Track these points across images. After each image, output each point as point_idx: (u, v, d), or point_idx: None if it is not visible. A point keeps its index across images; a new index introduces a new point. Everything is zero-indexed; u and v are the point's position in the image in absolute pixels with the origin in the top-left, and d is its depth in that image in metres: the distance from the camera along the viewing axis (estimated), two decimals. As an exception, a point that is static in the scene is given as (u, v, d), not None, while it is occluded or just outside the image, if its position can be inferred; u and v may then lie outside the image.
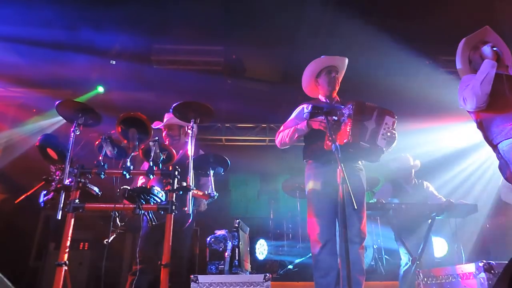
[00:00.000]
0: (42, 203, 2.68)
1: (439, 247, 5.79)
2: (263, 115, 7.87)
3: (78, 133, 2.77)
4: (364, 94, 3.04)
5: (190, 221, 3.57)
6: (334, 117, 2.94)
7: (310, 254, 3.08)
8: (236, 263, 3.58)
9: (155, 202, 2.75)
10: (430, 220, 4.43)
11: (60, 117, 2.96)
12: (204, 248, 3.89)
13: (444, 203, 4.51)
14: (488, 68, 2.74)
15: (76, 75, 6.28)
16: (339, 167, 2.45)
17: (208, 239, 3.69)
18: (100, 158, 2.73)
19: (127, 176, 2.75)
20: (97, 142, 2.83)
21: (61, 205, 2.54)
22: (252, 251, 6.31)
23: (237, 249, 3.64)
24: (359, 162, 3.24)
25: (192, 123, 2.98)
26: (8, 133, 6.40)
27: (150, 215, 2.97)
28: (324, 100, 3.35)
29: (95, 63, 6.30)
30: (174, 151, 2.98)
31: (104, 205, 2.68)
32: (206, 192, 3.23)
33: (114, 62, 6.35)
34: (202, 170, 3.27)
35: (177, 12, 5.58)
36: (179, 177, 2.73)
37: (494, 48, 2.80)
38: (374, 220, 6.21)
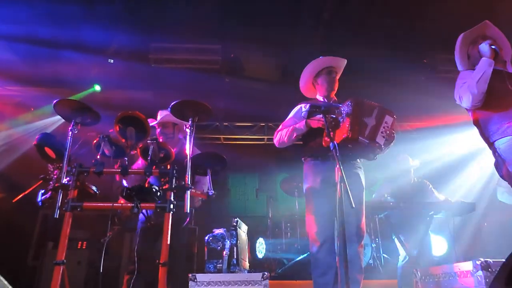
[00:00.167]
0: (40, 202, 2.67)
1: (439, 245, 5.81)
2: (262, 113, 7.87)
3: (76, 132, 2.77)
4: (361, 94, 3.03)
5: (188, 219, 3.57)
6: (332, 115, 2.93)
7: (309, 253, 3.09)
8: (235, 261, 3.58)
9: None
10: (428, 219, 4.45)
11: (57, 116, 2.96)
12: (202, 247, 3.88)
13: (442, 201, 4.53)
14: (485, 67, 2.74)
15: (74, 74, 6.26)
16: (337, 166, 2.45)
17: (206, 237, 3.69)
18: (98, 157, 2.73)
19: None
20: (95, 141, 2.82)
21: (59, 204, 2.54)
22: (253, 250, 6.32)
23: (235, 248, 3.64)
24: (358, 160, 3.24)
25: (190, 121, 2.98)
26: (8, 132, 6.39)
27: (147, 214, 2.97)
28: (322, 100, 3.35)
29: (93, 61, 6.29)
30: (172, 149, 2.97)
31: (102, 204, 2.68)
32: (204, 191, 3.23)
33: (112, 61, 6.34)
34: (200, 168, 3.26)
35: (175, 10, 5.56)
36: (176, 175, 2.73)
37: (492, 46, 2.80)
38: (373, 218, 6.22)
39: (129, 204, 2.65)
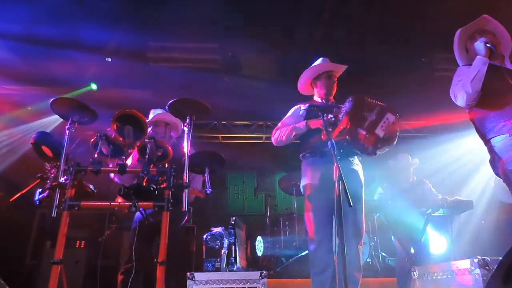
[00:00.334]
0: (38, 201, 2.67)
1: (438, 244, 5.82)
2: (260, 112, 7.87)
3: (73, 131, 2.76)
4: (359, 93, 3.03)
5: (186, 218, 3.57)
6: (331, 115, 2.94)
7: (307, 251, 3.09)
8: (233, 260, 3.59)
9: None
10: (426, 217, 4.46)
11: (55, 115, 2.95)
12: (200, 246, 3.88)
13: (440, 200, 4.54)
14: (479, 66, 2.73)
15: (72, 72, 6.25)
16: (335, 164, 2.46)
17: (205, 236, 3.69)
18: (96, 155, 2.72)
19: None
20: (92, 140, 2.82)
21: (56, 203, 2.54)
22: (252, 248, 6.33)
23: (233, 247, 3.64)
24: (356, 157, 3.24)
25: (188, 120, 2.97)
26: (7, 132, 6.37)
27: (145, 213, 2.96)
28: (320, 102, 3.37)
29: (91, 60, 6.27)
30: (169, 148, 2.97)
31: (99, 203, 2.67)
32: (202, 190, 3.23)
33: (110, 60, 6.32)
34: (198, 167, 3.26)
35: (174, 9, 5.55)
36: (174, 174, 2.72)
37: (487, 44, 2.79)
38: (371, 217, 6.23)
39: (126, 203, 2.64)
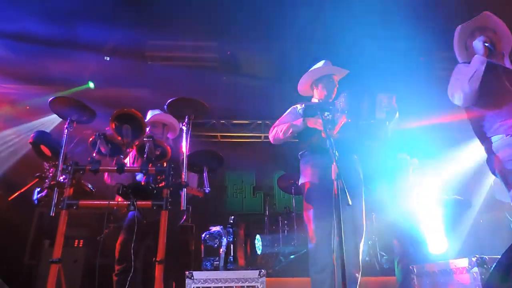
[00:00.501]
0: (36, 200, 2.66)
1: (437, 243, 5.82)
2: (259, 111, 7.87)
3: (71, 130, 2.76)
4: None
5: (185, 217, 3.57)
6: (328, 113, 2.94)
7: (306, 250, 3.09)
8: (231, 259, 3.58)
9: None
10: (424, 216, 4.47)
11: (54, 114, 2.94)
12: (199, 245, 3.88)
13: (439, 199, 4.55)
14: (477, 65, 2.72)
15: (70, 71, 6.23)
16: (334, 163, 2.46)
17: (203, 235, 3.69)
18: (94, 155, 2.72)
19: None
20: (91, 139, 2.81)
21: (55, 202, 2.53)
22: (251, 247, 6.33)
23: (232, 245, 3.64)
24: (356, 156, 3.24)
25: (186, 119, 2.97)
26: (7, 132, 6.35)
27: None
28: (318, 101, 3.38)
29: (89, 59, 6.26)
30: (168, 147, 2.96)
31: (98, 202, 2.67)
32: (200, 189, 3.23)
33: (108, 58, 6.31)
34: (196, 166, 3.26)
35: (172, 8, 5.54)
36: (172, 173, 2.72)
37: (486, 44, 2.78)
38: (370, 215, 6.24)
39: (125, 202, 2.64)
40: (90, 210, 4.82)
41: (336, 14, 5.70)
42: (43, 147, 2.81)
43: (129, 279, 3.02)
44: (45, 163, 2.82)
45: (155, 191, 2.76)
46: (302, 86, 3.49)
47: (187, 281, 3.05)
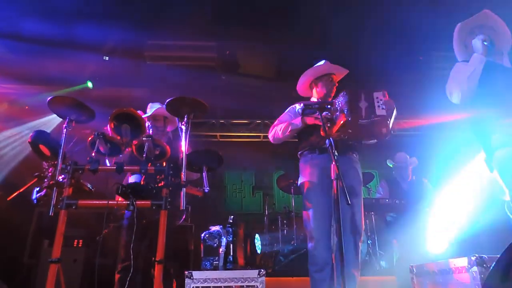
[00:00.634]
0: (35, 200, 2.66)
1: (438, 242, 5.83)
2: (258, 111, 7.87)
3: (70, 129, 2.75)
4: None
5: (184, 217, 3.57)
6: (327, 112, 2.94)
7: (305, 249, 3.09)
8: (231, 259, 3.58)
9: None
10: (423, 215, 4.48)
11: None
12: (198, 244, 3.88)
13: (437, 198, 4.56)
14: (476, 64, 2.73)
15: (69, 71, 6.23)
16: (333, 163, 2.46)
17: (203, 235, 3.69)
18: (93, 154, 2.72)
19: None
20: (90, 139, 2.81)
21: (54, 202, 2.53)
22: (251, 247, 6.33)
23: (231, 245, 3.64)
24: (355, 155, 3.24)
25: (185, 118, 2.96)
26: (7, 133, 6.33)
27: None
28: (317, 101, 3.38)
29: (88, 59, 6.26)
30: (167, 146, 2.96)
31: (97, 202, 2.67)
32: (199, 188, 3.22)
33: (107, 58, 6.31)
34: (195, 166, 3.25)
35: (171, 7, 5.54)
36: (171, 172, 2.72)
37: (485, 42, 2.78)
38: (369, 215, 6.24)
39: (124, 202, 2.64)
40: (89, 210, 4.81)
41: (335, 14, 5.70)
42: (42, 147, 2.80)
43: (128, 278, 3.02)
44: (44, 162, 2.82)
45: (154, 191, 2.76)
46: (301, 85, 3.49)
47: (187, 280, 3.05)
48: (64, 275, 2.49)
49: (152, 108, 3.79)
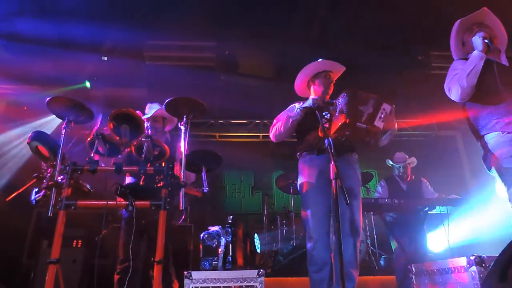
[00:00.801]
0: (34, 201, 2.65)
1: (436, 242, 5.84)
2: (257, 111, 7.88)
3: (69, 130, 2.75)
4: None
5: (183, 217, 3.57)
6: (326, 113, 2.94)
7: (304, 249, 3.09)
8: (230, 259, 3.58)
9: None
10: (422, 215, 4.48)
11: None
12: (197, 244, 3.88)
13: (436, 197, 4.57)
14: (476, 61, 2.73)
15: (68, 71, 6.22)
16: (332, 162, 2.46)
17: (202, 235, 3.68)
18: (92, 155, 2.71)
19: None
20: (89, 139, 2.80)
21: (53, 203, 2.52)
22: (252, 246, 6.34)
23: (230, 245, 3.64)
24: (354, 155, 3.24)
25: (184, 119, 2.96)
26: (10, 134, 6.32)
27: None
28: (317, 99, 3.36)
29: (87, 59, 6.25)
30: (166, 147, 2.96)
31: (96, 202, 2.66)
32: (198, 188, 3.22)
33: (106, 58, 6.31)
34: (194, 166, 3.25)
35: (170, 8, 5.54)
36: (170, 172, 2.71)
37: (485, 40, 2.78)
38: (368, 215, 6.25)
39: (123, 202, 2.63)
40: (89, 210, 4.81)
41: (334, 14, 5.71)
42: (40, 147, 2.80)
43: (127, 278, 3.02)
44: (43, 163, 2.82)
45: (153, 191, 2.76)
46: (299, 85, 3.48)
47: (186, 281, 3.05)
48: (63, 276, 2.48)
49: (152, 109, 3.79)
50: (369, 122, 2.85)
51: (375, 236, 6.12)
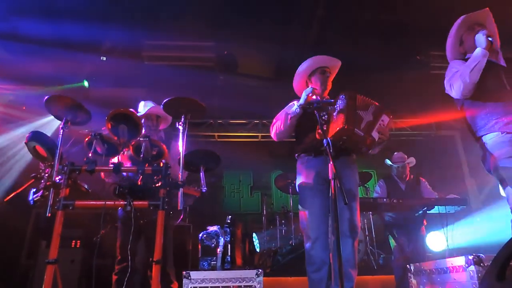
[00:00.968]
0: (32, 201, 2.65)
1: (436, 241, 5.85)
2: (256, 111, 7.88)
3: (67, 130, 2.74)
4: (352, 89, 3.03)
5: (182, 216, 3.57)
6: (324, 113, 2.94)
7: (303, 249, 3.08)
8: (229, 259, 3.58)
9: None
10: (422, 214, 4.48)
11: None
12: (196, 244, 3.87)
13: (434, 197, 4.57)
14: (480, 57, 2.72)
15: (66, 71, 6.22)
16: (331, 162, 2.46)
17: (200, 235, 3.68)
18: (90, 155, 2.71)
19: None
20: (87, 139, 2.80)
21: (51, 203, 2.52)
22: (251, 245, 6.34)
23: (229, 245, 3.64)
24: (352, 156, 3.24)
25: (183, 119, 2.96)
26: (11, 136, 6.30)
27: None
28: (315, 98, 3.35)
29: (86, 59, 6.25)
30: (164, 146, 2.95)
31: (94, 202, 2.66)
32: (197, 188, 3.22)
33: (104, 59, 6.30)
34: (193, 166, 3.25)
35: (169, 7, 5.53)
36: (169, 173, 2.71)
37: (489, 38, 2.77)
38: (367, 215, 6.26)
39: (121, 202, 2.63)
40: (87, 211, 4.81)
41: (333, 14, 5.70)
42: (38, 148, 2.80)
43: (126, 278, 3.01)
44: (40, 163, 2.81)
45: (152, 191, 2.75)
46: (297, 85, 3.47)
47: (184, 281, 3.05)
48: (61, 276, 2.48)
49: (145, 107, 3.78)
50: (367, 131, 2.86)
51: (374, 236, 6.12)
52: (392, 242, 4.75)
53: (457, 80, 2.78)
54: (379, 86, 6.29)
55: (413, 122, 8.55)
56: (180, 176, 2.75)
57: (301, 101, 3.08)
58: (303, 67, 3.36)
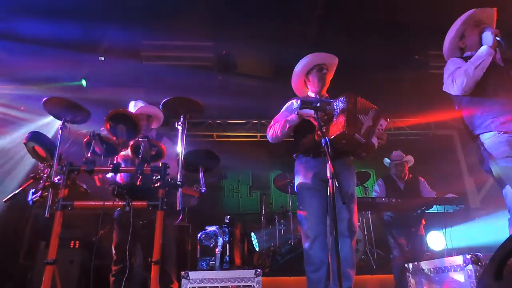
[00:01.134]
0: (31, 202, 2.65)
1: (435, 241, 5.86)
2: (255, 110, 7.88)
3: (66, 130, 2.75)
4: (352, 90, 3.02)
5: (181, 216, 3.56)
6: (323, 112, 2.94)
7: (302, 249, 3.09)
8: (227, 259, 3.58)
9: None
10: (420, 213, 4.49)
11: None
12: (195, 244, 3.87)
13: (433, 196, 4.58)
14: (485, 55, 2.72)
15: (65, 71, 6.21)
16: (329, 162, 2.46)
17: (199, 235, 3.68)
18: (89, 155, 2.71)
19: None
20: (85, 139, 2.80)
21: (50, 203, 2.52)
22: (250, 245, 6.34)
23: (228, 245, 3.64)
24: (350, 156, 3.24)
25: (182, 119, 2.96)
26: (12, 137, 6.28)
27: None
28: (314, 97, 3.35)
29: (84, 59, 6.24)
30: (163, 146, 2.95)
31: (92, 203, 2.66)
32: (196, 188, 3.22)
33: (103, 58, 6.29)
34: (192, 166, 3.25)
35: (167, 7, 5.53)
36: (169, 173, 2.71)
37: (497, 38, 2.77)
38: (365, 214, 6.26)
39: (120, 203, 2.63)
40: (86, 211, 4.81)
41: (331, 13, 5.71)
42: (37, 148, 2.80)
43: (124, 279, 3.02)
44: (39, 163, 2.81)
45: (150, 191, 2.75)
46: (296, 85, 3.47)
47: (183, 281, 3.05)
48: (60, 277, 2.48)
49: (136, 107, 3.77)
50: (367, 137, 2.87)
51: (372, 235, 6.13)
52: (391, 241, 4.75)
53: (460, 76, 2.77)
54: (378, 85, 6.31)
55: (412, 121, 8.56)
56: (179, 176, 2.75)
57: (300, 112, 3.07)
58: (300, 66, 3.37)
